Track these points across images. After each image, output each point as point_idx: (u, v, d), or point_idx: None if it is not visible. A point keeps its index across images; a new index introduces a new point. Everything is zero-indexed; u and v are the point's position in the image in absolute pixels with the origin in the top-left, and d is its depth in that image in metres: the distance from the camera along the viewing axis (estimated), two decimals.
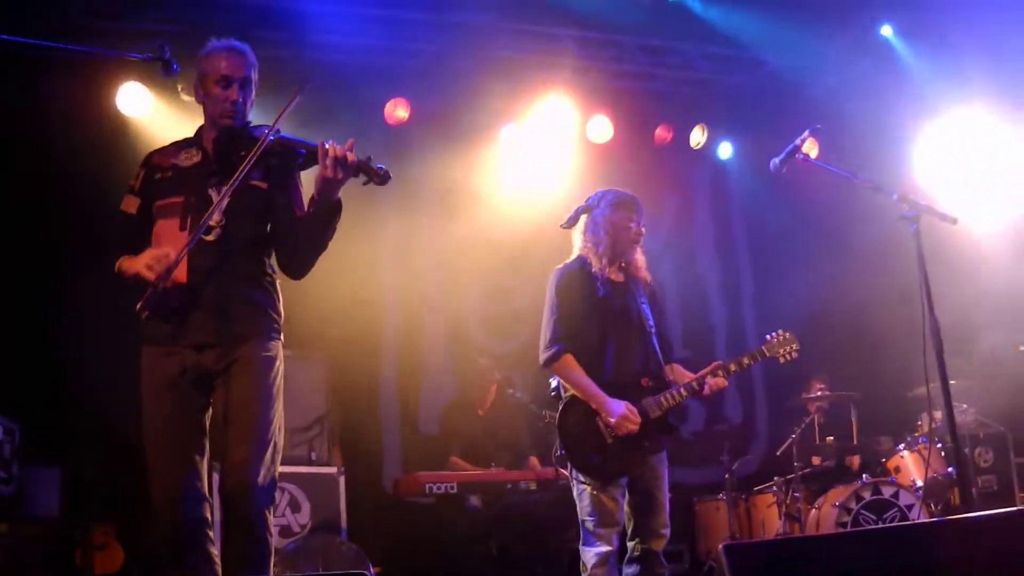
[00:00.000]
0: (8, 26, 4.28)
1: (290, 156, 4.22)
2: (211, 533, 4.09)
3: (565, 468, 5.38)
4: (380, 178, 4.09)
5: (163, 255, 3.96)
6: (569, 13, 8.59)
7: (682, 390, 5.26)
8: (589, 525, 5.13)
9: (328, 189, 4.07)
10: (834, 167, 5.09)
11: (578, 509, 5.23)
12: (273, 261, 4.34)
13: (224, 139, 4.25)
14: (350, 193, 4.15)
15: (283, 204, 4.27)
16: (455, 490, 7.36)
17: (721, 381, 5.30)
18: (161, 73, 4.19)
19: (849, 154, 8.54)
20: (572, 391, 5.27)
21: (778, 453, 8.49)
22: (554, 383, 5.45)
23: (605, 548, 5.08)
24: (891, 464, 8.27)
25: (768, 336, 5.53)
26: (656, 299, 5.55)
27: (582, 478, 5.18)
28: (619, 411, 5.10)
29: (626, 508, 5.21)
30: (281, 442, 4.17)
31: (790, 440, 8.28)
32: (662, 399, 5.22)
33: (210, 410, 4.16)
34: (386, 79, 8.74)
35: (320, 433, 7.67)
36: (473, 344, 9.21)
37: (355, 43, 8.21)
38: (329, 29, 7.97)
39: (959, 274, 7.79)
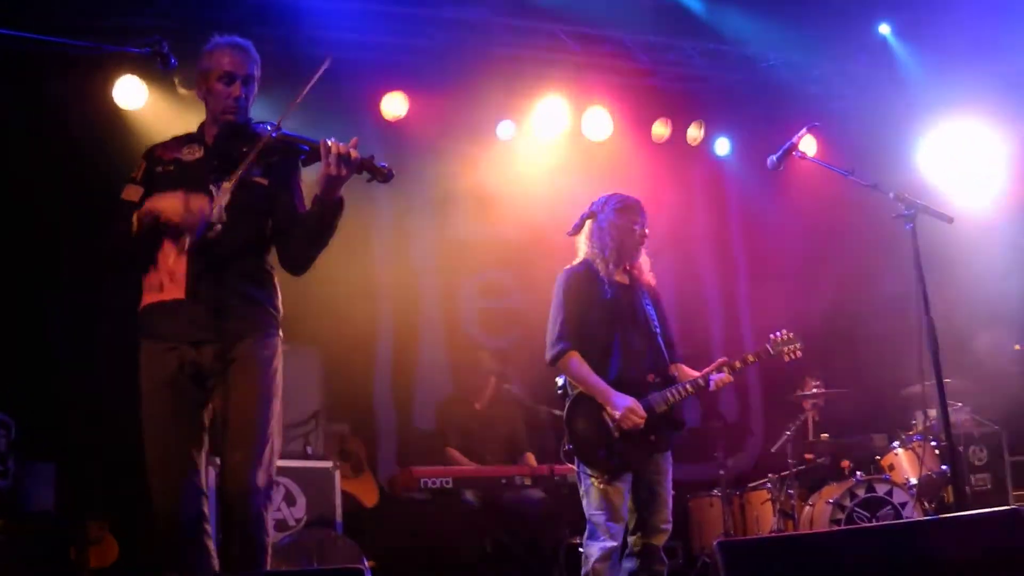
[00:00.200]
0: (5, 21, 4.28)
1: (292, 153, 4.23)
2: (209, 528, 4.09)
3: (572, 463, 5.43)
4: (383, 176, 4.10)
5: (198, 203, 3.99)
6: (567, 10, 8.60)
7: (688, 386, 5.34)
8: (597, 519, 5.18)
9: (331, 186, 4.07)
10: (831, 165, 5.10)
11: (584, 505, 5.29)
12: (272, 257, 4.34)
13: (226, 135, 4.25)
14: (347, 188, 4.15)
15: (284, 201, 4.28)
16: (450, 485, 7.35)
17: (727, 377, 5.40)
18: (159, 67, 4.19)
19: (846, 152, 8.55)
20: (579, 388, 5.31)
21: (773, 450, 8.51)
22: (560, 381, 5.50)
23: (611, 543, 5.14)
24: (885, 462, 8.28)
25: (772, 335, 5.64)
26: (659, 303, 5.62)
27: (589, 472, 5.25)
28: (624, 404, 5.18)
29: (629, 503, 5.25)
30: (279, 442, 4.18)
31: (785, 437, 8.30)
32: (668, 395, 5.31)
33: (209, 406, 4.16)
34: (383, 75, 8.74)
35: (315, 427, 7.67)
36: (468, 340, 9.20)
37: (352, 39, 8.20)
38: (326, 25, 7.97)
39: (955, 272, 7.82)
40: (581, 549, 7.76)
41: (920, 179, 9.38)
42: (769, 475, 8.34)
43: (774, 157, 5.08)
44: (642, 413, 5.18)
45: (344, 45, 8.09)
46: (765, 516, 8.30)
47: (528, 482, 7.61)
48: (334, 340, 8.08)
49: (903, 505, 7.57)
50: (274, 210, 4.28)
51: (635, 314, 5.42)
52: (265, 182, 4.24)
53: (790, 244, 9.74)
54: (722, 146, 10.20)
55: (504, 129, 9.29)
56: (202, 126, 4.37)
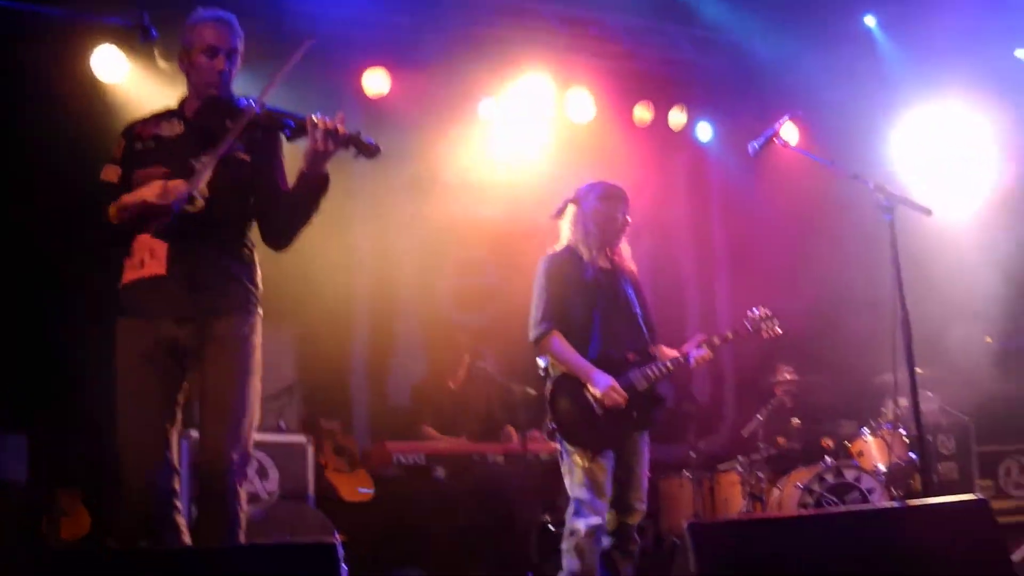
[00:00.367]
0: None
1: (277, 128, 4.20)
2: (179, 504, 4.10)
3: (556, 442, 5.48)
4: (370, 152, 4.09)
5: (174, 187, 3.97)
6: None
7: (668, 364, 5.43)
8: (582, 496, 5.24)
9: (317, 162, 4.07)
10: (812, 154, 5.13)
11: (567, 483, 5.36)
12: (253, 233, 4.34)
13: (208, 110, 4.22)
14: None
15: (267, 177, 4.27)
16: (423, 461, 7.38)
17: (708, 354, 5.50)
18: (139, 39, 4.18)
19: (828, 141, 8.60)
20: (561, 368, 5.37)
21: (744, 434, 8.56)
22: (542, 363, 5.56)
23: (596, 520, 5.21)
24: (855, 448, 8.34)
25: (749, 312, 5.71)
26: (640, 289, 5.68)
27: (573, 450, 5.29)
28: (606, 383, 5.25)
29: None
30: (256, 419, 4.19)
31: (756, 421, 8.36)
32: (648, 372, 5.39)
33: (184, 383, 4.16)
34: (366, 51, 8.71)
35: (289, 402, 7.68)
36: (445, 317, 9.20)
37: (335, 14, 8.15)
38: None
39: (931, 264, 7.87)
40: (552, 527, 7.86)
41: (900, 171, 9.42)
42: (739, 458, 8.39)
43: (755, 144, 5.10)
44: (623, 392, 5.25)
45: (327, 20, 8.03)
46: (734, 498, 8.36)
47: (500, 459, 7.64)
48: (310, 315, 8.08)
49: (871, 491, 7.63)
50: (257, 186, 4.26)
51: (616, 296, 5.49)
52: (248, 158, 4.22)
53: (769, 231, 9.76)
54: (704, 131, 10.22)
55: (486, 108, 9.27)
56: (183, 100, 4.34)
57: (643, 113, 9.78)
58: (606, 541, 5.33)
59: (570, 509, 5.32)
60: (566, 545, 5.27)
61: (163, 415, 4.09)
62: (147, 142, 4.23)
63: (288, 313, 7.70)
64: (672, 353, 5.52)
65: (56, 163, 7.24)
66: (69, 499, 7.02)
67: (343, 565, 2.84)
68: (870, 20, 9.47)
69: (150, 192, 3.97)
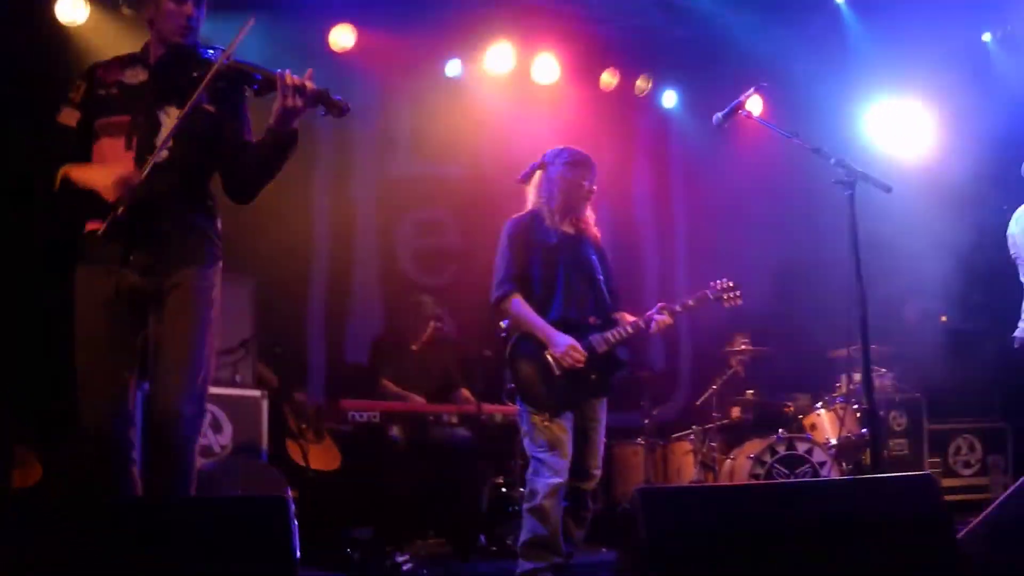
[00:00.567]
0: None
1: (244, 82, 4.16)
2: (134, 455, 4.07)
3: (514, 403, 5.51)
4: (339, 110, 4.06)
5: (127, 178, 3.92)
6: None
7: (628, 327, 5.47)
8: (542, 456, 5.25)
9: (286, 118, 4.04)
10: (775, 126, 5.13)
11: (527, 443, 5.37)
12: (215, 185, 4.30)
13: (173, 58, 4.16)
14: None
15: (232, 130, 4.24)
16: (377, 419, 7.36)
17: (668, 319, 5.51)
18: None
19: (793, 115, 8.61)
20: (521, 329, 5.38)
21: (698, 403, 8.63)
22: (503, 325, 5.57)
23: (556, 479, 5.20)
24: (807, 421, 8.42)
25: (712, 282, 5.75)
26: (604, 255, 5.70)
27: (532, 411, 5.32)
28: (565, 342, 5.28)
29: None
30: (212, 371, 4.17)
31: (711, 391, 8.42)
32: (609, 335, 5.42)
33: (143, 332, 4.12)
34: (332, 6, 8.62)
35: (245, 356, 7.64)
36: (403, 276, 9.19)
37: None
38: None
39: (890, 241, 7.91)
40: (504, 489, 7.89)
41: (862, 147, 9.47)
42: (693, 427, 8.45)
43: (720, 115, 5.10)
44: (582, 352, 5.26)
45: None
46: (686, 467, 8.42)
47: (455, 420, 7.64)
48: (268, 269, 8.02)
49: (822, 464, 7.70)
50: (221, 138, 4.22)
51: (579, 261, 5.50)
52: (212, 109, 4.18)
53: (730, 201, 9.77)
54: (669, 99, 10.22)
55: (451, 67, 9.22)
56: (146, 46, 4.28)
57: (609, 78, 9.77)
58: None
59: (529, 470, 5.33)
60: (527, 506, 5.27)
61: (121, 363, 4.07)
62: (110, 88, 4.16)
63: (246, 266, 7.64)
64: (633, 319, 5.54)
65: (8, 107, 7.10)
66: (21, 449, 6.94)
67: (294, 521, 2.83)
68: None
69: (100, 182, 3.94)
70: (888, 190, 4.75)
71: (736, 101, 5.08)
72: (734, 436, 8.39)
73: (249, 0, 4.20)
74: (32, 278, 6.86)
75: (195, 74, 4.01)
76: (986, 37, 9.55)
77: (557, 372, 5.28)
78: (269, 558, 2.75)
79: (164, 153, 4.01)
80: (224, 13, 4.85)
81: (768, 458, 7.66)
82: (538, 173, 5.62)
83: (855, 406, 8.18)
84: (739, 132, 8.11)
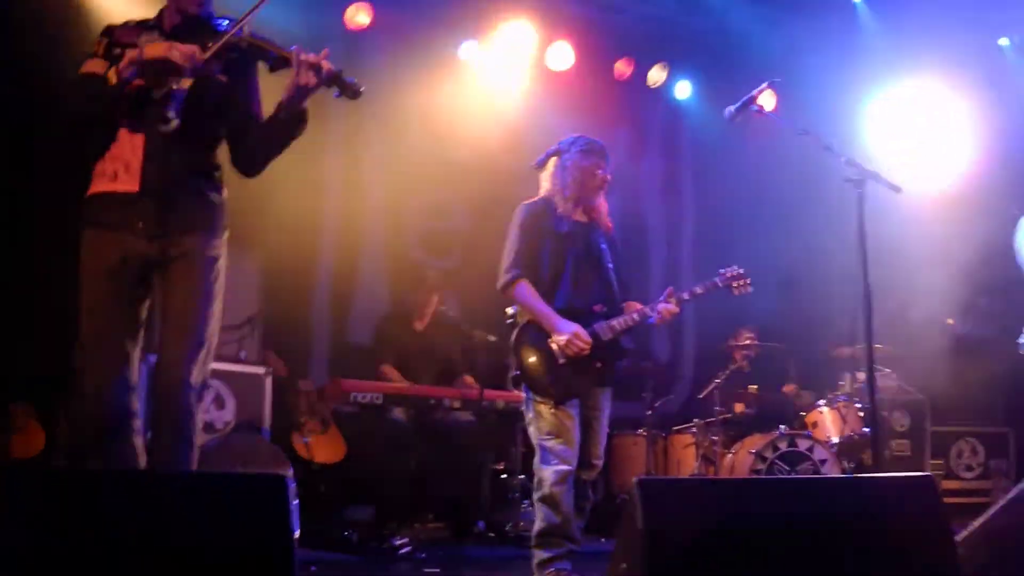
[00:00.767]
0: None
1: (259, 56, 4.14)
2: (138, 424, 4.07)
3: (520, 390, 5.48)
4: (353, 91, 4.05)
5: (192, 50, 3.92)
6: None
7: (635, 315, 5.43)
8: (549, 443, 5.22)
9: (299, 96, 4.04)
10: (786, 122, 5.11)
11: (532, 432, 5.33)
12: (223, 155, 4.31)
13: (188, 27, 4.14)
14: None
15: (243, 101, 4.24)
16: (380, 401, 7.36)
17: (674, 308, 5.46)
18: None
19: (806, 110, 8.58)
20: (527, 316, 5.38)
21: (701, 396, 8.63)
22: (511, 311, 5.56)
23: (564, 467, 5.18)
24: (810, 419, 8.42)
25: (722, 270, 5.69)
26: (615, 245, 5.67)
27: (537, 399, 5.30)
28: (570, 330, 5.24)
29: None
30: (215, 342, 4.16)
31: (714, 384, 8.41)
32: (614, 323, 5.38)
33: (148, 301, 4.13)
34: None
35: (251, 332, 7.65)
36: (410, 258, 9.19)
37: None
38: None
39: (898, 242, 7.89)
40: (504, 476, 7.89)
41: (873, 146, 9.46)
42: (695, 420, 8.45)
43: (732, 109, 5.07)
44: (587, 338, 5.23)
45: None
46: (687, 460, 8.42)
47: (457, 405, 7.64)
48: (276, 247, 8.03)
49: (823, 462, 7.70)
50: (231, 109, 4.22)
51: (589, 248, 5.47)
52: (224, 79, 4.18)
53: (739, 196, 9.76)
54: (683, 90, 10.21)
55: (466, 50, 9.22)
56: (161, 13, 4.27)
57: (623, 67, 9.76)
58: None
59: (536, 458, 5.31)
60: (537, 495, 5.25)
61: (126, 330, 4.06)
62: (125, 48, 4.13)
63: (253, 242, 7.66)
64: (640, 307, 5.52)
65: (28, 78, 7.08)
66: (23, 415, 6.93)
67: (294, 500, 2.83)
68: None
69: (164, 49, 3.91)
70: (898, 190, 4.74)
71: (749, 96, 5.06)
72: (736, 431, 8.38)
73: None
74: (29, 240, 6.85)
75: (209, 44, 4.00)
76: (1003, 42, 9.51)
77: (561, 360, 5.27)
78: (267, 535, 2.75)
79: (174, 121, 4.01)
80: None
81: (769, 454, 7.66)
82: (553, 160, 5.59)
83: (858, 405, 8.18)
84: (751, 127, 8.08)
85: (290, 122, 4.12)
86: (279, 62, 4.09)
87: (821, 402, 8.45)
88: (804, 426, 8.35)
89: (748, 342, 8.64)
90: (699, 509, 3.05)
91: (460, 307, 8.56)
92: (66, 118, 4.25)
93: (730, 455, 8.04)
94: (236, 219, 4.34)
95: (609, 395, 5.51)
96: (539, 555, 5.21)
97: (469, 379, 8.01)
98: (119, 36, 4.19)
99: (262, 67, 4.23)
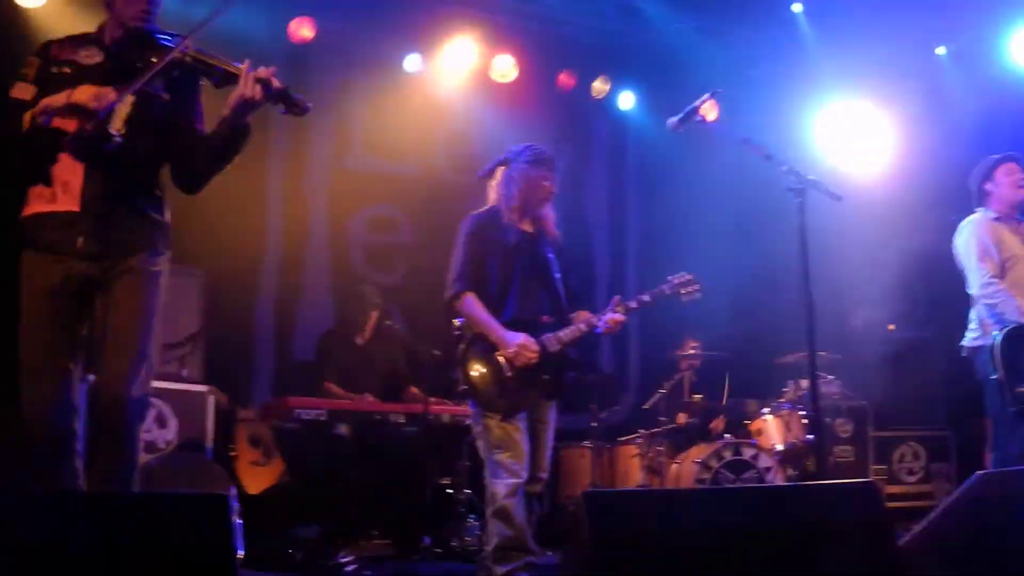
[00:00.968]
0: None
1: (204, 72, 4.10)
2: (77, 446, 4.02)
3: (467, 404, 5.48)
4: (299, 109, 4.03)
5: (104, 93, 3.86)
6: None
7: (581, 326, 5.41)
8: (498, 458, 5.20)
9: (243, 111, 4.00)
10: (729, 132, 5.15)
11: (481, 446, 5.31)
12: (165, 174, 4.26)
13: (130, 41, 4.09)
14: None
15: (185, 119, 4.20)
16: (324, 417, 7.32)
17: (619, 318, 5.43)
18: None
19: (748, 120, 8.65)
20: (474, 329, 5.35)
21: (645, 407, 8.65)
22: (458, 323, 5.52)
23: (514, 480, 5.17)
24: (754, 427, 8.46)
25: (670, 277, 5.66)
26: (563, 254, 5.66)
27: (485, 413, 5.27)
28: (516, 341, 5.23)
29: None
30: (157, 359, 4.13)
31: (658, 395, 8.44)
32: (562, 334, 5.36)
33: (89, 320, 4.08)
34: None
35: (193, 350, 7.58)
36: (354, 273, 9.14)
37: None
38: None
39: (842, 249, 7.98)
40: (450, 490, 7.86)
41: (817, 156, 9.55)
42: (640, 431, 8.47)
43: (674, 120, 5.10)
44: (534, 349, 5.23)
45: None
46: (633, 470, 8.43)
47: (402, 420, 7.62)
48: (218, 263, 7.97)
49: (767, 470, 7.75)
50: (174, 127, 4.18)
51: (535, 260, 5.46)
52: (167, 97, 4.14)
53: (684, 206, 9.79)
54: (625, 101, 10.25)
55: (410, 63, 9.21)
56: (102, 27, 4.21)
57: (566, 80, 9.79)
58: None
59: (486, 473, 5.29)
60: (489, 511, 5.23)
61: (66, 351, 4.02)
62: (63, 66, 4.10)
63: (196, 259, 7.59)
64: (588, 316, 5.51)
65: None
66: None
67: (238, 520, 2.81)
68: (797, 6, 9.55)
69: (79, 95, 3.87)
70: (838, 199, 4.78)
71: (691, 106, 5.08)
72: (681, 440, 8.41)
73: None
74: None
75: (152, 59, 3.95)
76: (940, 51, 9.64)
77: (509, 373, 5.25)
78: (209, 556, 2.72)
79: (117, 141, 3.96)
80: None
81: (714, 463, 7.69)
82: (500, 169, 5.57)
83: (801, 412, 8.23)
84: (695, 137, 8.13)
85: (234, 137, 4.09)
86: (225, 78, 4.06)
87: (765, 410, 8.50)
88: (748, 434, 8.40)
89: (693, 352, 8.68)
90: (645, 521, 3.05)
91: (405, 321, 8.54)
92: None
93: (675, 465, 8.06)
94: (178, 235, 4.31)
95: (555, 408, 5.51)
96: (498, 570, 5.19)
97: (415, 391, 7.98)
98: (56, 53, 4.14)
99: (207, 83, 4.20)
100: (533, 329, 5.33)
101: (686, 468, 7.85)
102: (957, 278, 6.38)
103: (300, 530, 7.44)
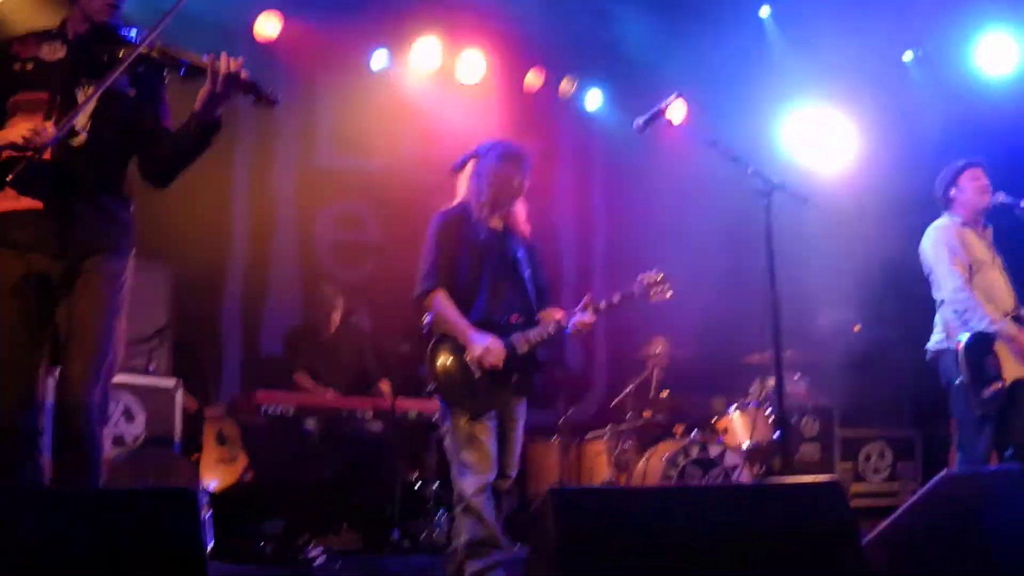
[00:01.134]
0: None
1: (171, 66, 4.06)
2: (41, 443, 4.00)
3: (435, 401, 5.44)
4: (269, 100, 4.00)
5: (41, 128, 3.81)
6: None
7: (550, 327, 5.36)
8: (464, 457, 5.18)
9: (213, 105, 3.98)
10: (696, 134, 5.17)
11: (449, 443, 5.28)
12: (132, 171, 4.24)
13: (95, 36, 4.05)
14: None
15: (151, 115, 4.17)
16: (291, 413, 7.33)
17: (588, 319, 5.37)
18: None
19: (715, 123, 8.68)
20: (444, 327, 5.33)
21: (613, 404, 8.68)
22: (427, 319, 5.49)
23: (481, 478, 5.16)
24: (721, 425, 8.50)
25: (640, 276, 5.56)
26: (533, 251, 5.62)
27: (454, 412, 5.25)
28: (483, 343, 5.19)
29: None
30: (120, 357, 4.09)
31: (626, 392, 8.47)
32: (530, 335, 5.32)
33: (53, 319, 4.05)
34: None
35: (160, 345, 7.56)
36: (322, 269, 9.14)
37: None
38: None
39: (808, 250, 8.01)
40: (418, 485, 7.87)
41: (783, 158, 9.61)
42: (608, 427, 8.50)
43: (641, 120, 5.11)
44: (501, 351, 5.21)
45: None
46: (600, 467, 8.46)
47: (370, 415, 7.63)
48: (185, 258, 7.93)
49: (734, 468, 7.79)
50: (139, 123, 4.15)
51: (505, 258, 5.43)
52: (132, 93, 4.12)
53: (651, 206, 9.82)
54: (592, 101, 10.27)
55: (377, 60, 9.19)
56: (65, 21, 4.17)
57: (533, 79, 9.80)
58: None
59: (453, 471, 5.29)
60: (458, 509, 5.23)
61: (30, 349, 3.99)
62: (25, 63, 4.06)
63: (162, 254, 7.56)
64: (557, 317, 5.48)
65: None
66: None
67: (204, 513, 2.81)
68: (764, 11, 9.61)
69: (15, 133, 3.82)
70: (804, 201, 4.81)
71: (657, 107, 5.09)
72: (648, 437, 8.44)
73: None
74: None
75: (120, 54, 3.92)
76: (906, 56, 9.72)
77: (477, 374, 5.25)
78: (177, 551, 2.72)
79: (82, 136, 3.93)
80: None
81: (681, 460, 7.72)
82: (470, 164, 5.53)
83: (768, 411, 8.28)
84: (662, 137, 8.17)
85: (203, 131, 4.06)
86: (191, 71, 4.02)
87: (732, 408, 8.55)
88: (715, 432, 8.44)
89: (660, 350, 8.71)
90: (611, 519, 3.07)
91: (373, 317, 8.53)
92: None
93: (642, 462, 8.08)
94: (144, 230, 4.28)
95: (524, 405, 5.50)
96: (470, 567, 5.20)
97: (385, 386, 7.98)
98: (17, 50, 4.10)
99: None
100: (502, 329, 5.30)
101: (653, 465, 7.87)
102: (923, 281, 6.44)
103: (268, 525, 7.44)
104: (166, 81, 4.23)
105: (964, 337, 5.99)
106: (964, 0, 8.85)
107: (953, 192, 6.42)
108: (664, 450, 7.88)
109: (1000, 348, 6.00)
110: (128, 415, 6.94)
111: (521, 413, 5.46)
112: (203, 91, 3.98)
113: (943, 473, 3.58)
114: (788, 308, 4.74)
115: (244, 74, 3.94)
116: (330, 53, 8.89)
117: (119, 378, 4.14)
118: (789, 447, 8.09)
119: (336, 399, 7.69)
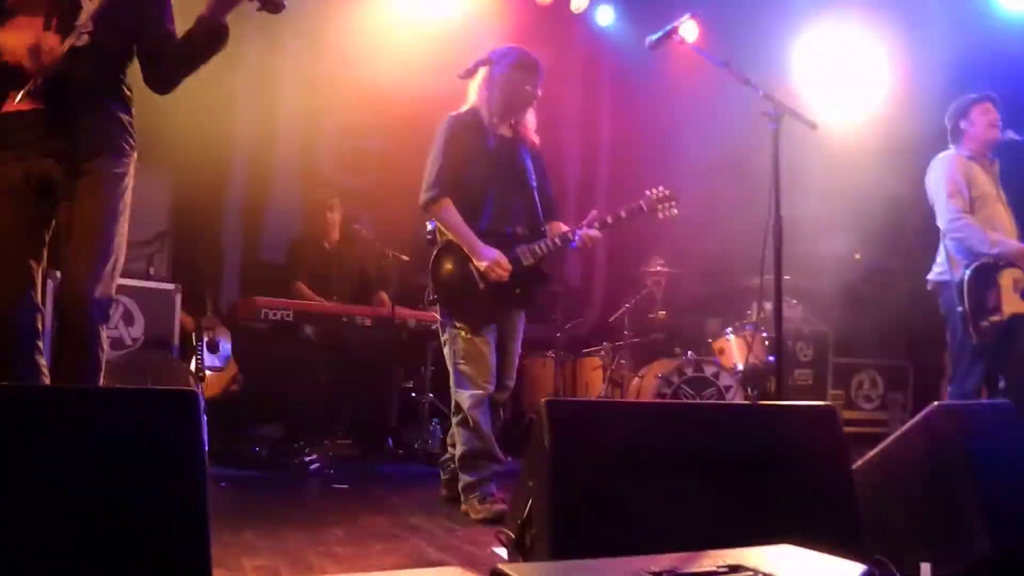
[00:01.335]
0: None
1: None
2: (40, 344, 4.01)
3: (436, 311, 5.46)
4: (275, 5, 3.97)
5: (44, 49, 3.79)
6: None
7: (557, 240, 5.37)
8: (463, 369, 5.24)
9: (221, 9, 3.94)
10: (708, 54, 5.11)
11: (448, 354, 5.33)
12: (134, 74, 4.21)
13: None
14: None
15: (156, 18, 4.12)
16: (291, 318, 7.35)
17: (596, 234, 5.39)
18: None
19: (728, 44, 8.60)
20: (448, 236, 5.31)
21: (610, 320, 8.72)
22: (430, 227, 5.47)
23: (479, 391, 5.21)
24: (717, 345, 8.56)
25: (647, 191, 5.58)
26: (540, 161, 5.59)
27: (454, 323, 5.27)
28: (491, 256, 5.20)
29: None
30: (122, 260, 4.09)
31: (623, 309, 8.50)
32: (536, 247, 5.33)
33: (53, 219, 4.04)
34: None
35: (160, 248, 7.57)
36: (323, 177, 9.11)
37: None
38: None
39: (813, 176, 7.99)
40: (414, 394, 7.92)
41: (797, 83, 9.53)
42: (604, 343, 8.55)
43: (652, 38, 5.05)
44: (507, 265, 5.22)
45: None
46: (595, 382, 8.53)
47: (368, 323, 7.65)
48: (187, 162, 7.88)
49: (728, 388, 7.85)
50: (144, 26, 4.11)
51: (513, 167, 5.41)
52: None
53: (657, 126, 9.77)
54: (604, 16, 10.18)
55: None
56: None
57: None
58: None
59: (452, 382, 5.32)
60: (455, 420, 5.28)
61: (29, 251, 3.97)
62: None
63: (163, 158, 7.52)
64: (563, 230, 5.47)
65: None
66: None
67: (203, 416, 2.83)
68: None
69: (21, 50, 3.80)
70: (814, 127, 4.78)
71: (670, 25, 5.02)
72: (644, 355, 8.49)
73: None
74: None
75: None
76: None
77: (482, 286, 5.24)
78: (176, 451, 2.74)
79: (85, 37, 3.90)
80: None
81: (676, 379, 7.78)
82: (482, 70, 5.46)
83: (764, 334, 8.32)
84: (672, 56, 8.10)
85: (210, 37, 4.02)
86: None
87: (728, 330, 8.58)
88: (711, 352, 8.49)
89: (659, 269, 8.73)
90: (604, 431, 3.09)
91: (375, 226, 8.53)
92: None
93: (637, 379, 8.15)
94: (146, 134, 4.26)
95: (523, 317, 5.52)
96: (464, 479, 5.25)
97: (384, 296, 8.00)
98: None
99: None
100: (508, 241, 5.30)
101: (647, 382, 7.94)
102: (924, 214, 6.43)
103: (263, 429, 7.50)
104: None
105: (967, 266, 6.01)
106: None
107: (963, 124, 6.39)
108: (659, 368, 7.94)
109: (1003, 281, 6.02)
110: (128, 318, 6.97)
111: (520, 326, 5.48)
112: None
113: (934, 405, 3.60)
114: (790, 233, 4.73)
115: None
116: None
117: (119, 281, 4.11)
118: (783, 371, 8.12)
119: (335, 306, 7.71)
